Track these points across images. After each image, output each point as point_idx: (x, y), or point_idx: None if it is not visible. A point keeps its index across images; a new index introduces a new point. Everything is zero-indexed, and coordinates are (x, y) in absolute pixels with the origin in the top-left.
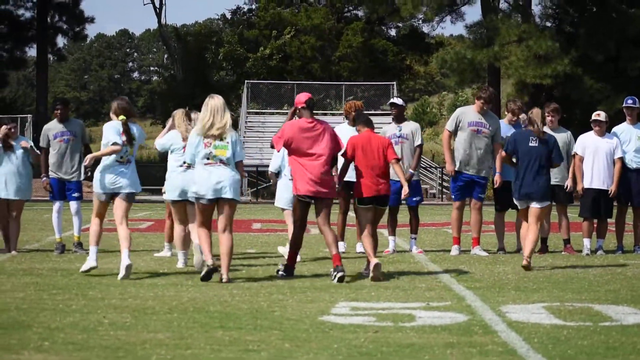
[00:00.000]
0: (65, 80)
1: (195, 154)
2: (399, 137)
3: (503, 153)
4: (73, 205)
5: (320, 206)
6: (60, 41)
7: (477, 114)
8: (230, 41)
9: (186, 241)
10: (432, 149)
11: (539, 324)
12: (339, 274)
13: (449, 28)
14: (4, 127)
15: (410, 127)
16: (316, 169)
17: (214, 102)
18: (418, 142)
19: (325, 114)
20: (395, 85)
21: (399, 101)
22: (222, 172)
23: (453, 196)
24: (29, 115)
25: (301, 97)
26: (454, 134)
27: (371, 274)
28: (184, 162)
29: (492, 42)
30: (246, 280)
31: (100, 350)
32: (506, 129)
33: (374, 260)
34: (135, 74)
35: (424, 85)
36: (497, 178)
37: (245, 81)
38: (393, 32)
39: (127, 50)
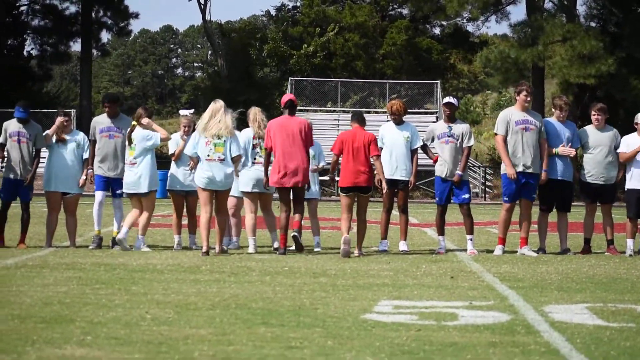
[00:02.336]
0: (108, 76)
1: (197, 149)
2: (449, 136)
3: (555, 150)
4: (116, 201)
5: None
6: (105, 36)
7: (521, 112)
8: (275, 38)
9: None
10: (475, 148)
11: (581, 325)
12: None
13: (493, 27)
14: (59, 118)
15: (461, 128)
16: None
17: (214, 106)
18: (469, 143)
19: (368, 112)
20: (439, 84)
21: (454, 101)
22: (217, 168)
23: (507, 198)
24: (72, 110)
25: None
26: (505, 136)
27: (342, 247)
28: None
29: (536, 41)
30: (288, 277)
31: (142, 345)
32: (557, 126)
33: (345, 236)
34: (179, 70)
35: (467, 84)
36: (543, 176)
37: (289, 78)
38: (437, 31)
39: (171, 46)
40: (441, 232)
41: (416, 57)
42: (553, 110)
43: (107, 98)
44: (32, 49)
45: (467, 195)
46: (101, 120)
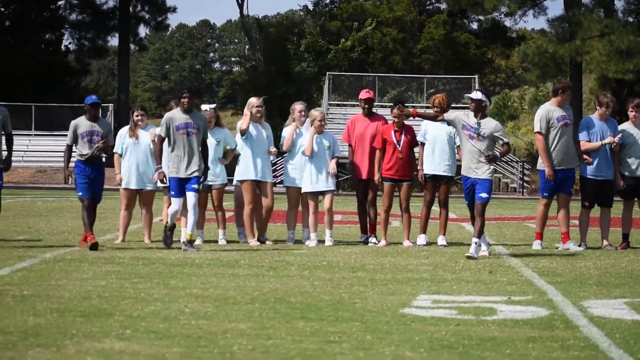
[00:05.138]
0: (146, 70)
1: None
2: (477, 133)
3: (589, 145)
4: (191, 198)
5: None
6: (142, 31)
7: (559, 108)
8: (312, 32)
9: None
10: (513, 144)
11: (620, 320)
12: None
13: (531, 22)
14: (136, 112)
15: (491, 127)
16: None
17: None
18: (505, 140)
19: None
20: (476, 79)
21: (479, 96)
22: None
23: (546, 194)
24: (110, 104)
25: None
26: (546, 134)
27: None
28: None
29: (574, 36)
30: (327, 271)
31: (181, 339)
32: (598, 123)
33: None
34: (217, 65)
35: (504, 79)
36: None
37: (327, 73)
38: (475, 26)
39: (209, 40)
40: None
41: (454, 51)
42: (597, 107)
43: (187, 88)
44: (69, 43)
45: (485, 195)
46: (176, 116)
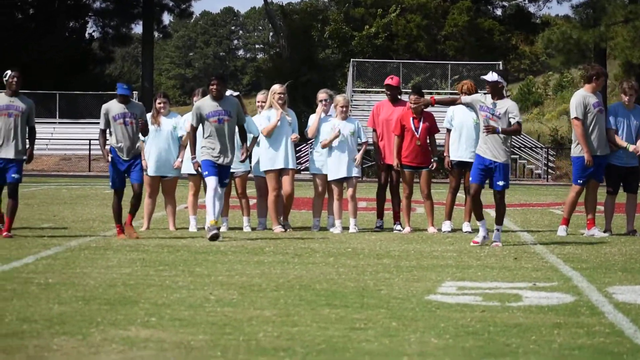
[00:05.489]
0: (170, 58)
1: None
2: (492, 114)
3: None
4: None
5: None
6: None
7: (593, 95)
8: (336, 19)
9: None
10: (537, 130)
11: None
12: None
13: (555, 8)
14: (158, 100)
15: (506, 105)
16: None
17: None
18: (517, 119)
19: (430, 93)
20: (501, 65)
21: (495, 77)
22: None
23: (581, 181)
24: (134, 92)
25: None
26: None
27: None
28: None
29: (598, 22)
30: (352, 258)
31: (206, 327)
32: (624, 111)
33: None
34: (241, 52)
35: (528, 65)
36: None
37: (351, 59)
38: (499, 12)
39: (232, 27)
40: (479, 215)
41: (478, 38)
42: (622, 95)
43: (216, 75)
44: (93, 31)
45: (503, 183)
46: (206, 104)
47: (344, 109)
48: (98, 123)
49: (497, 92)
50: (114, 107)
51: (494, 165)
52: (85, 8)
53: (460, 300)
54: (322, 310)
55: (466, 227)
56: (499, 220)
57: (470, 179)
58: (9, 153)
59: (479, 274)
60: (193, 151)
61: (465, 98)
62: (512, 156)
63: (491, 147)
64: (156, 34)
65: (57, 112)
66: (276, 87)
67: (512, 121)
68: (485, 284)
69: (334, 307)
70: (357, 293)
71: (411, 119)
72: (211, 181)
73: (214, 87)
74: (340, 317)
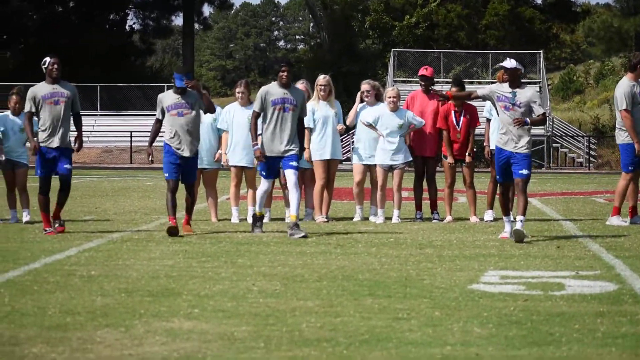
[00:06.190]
0: (210, 49)
1: None
2: (512, 104)
3: None
4: (291, 176)
5: None
6: (206, 10)
7: (637, 83)
8: (377, 9)
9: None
10: (579, 118)
11: None
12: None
13: None
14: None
15: (527, 94)
16: None
17: None
18: (540, 110)
19: (472, 83)
20: (541, 54)
21: (513, 64)
22: None
23: (631, 167)
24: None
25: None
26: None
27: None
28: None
29: (639, 10)
30: (394, 248)
31: (249, 318)
32: None
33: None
34: (281, 43)
35: (569, 54)
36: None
37: (392, 49)
38: (539, 1)
39: (273, 19)
40: (505, 211)
41: (519, 27)
42: None
43: (285, 60)
44: (134, 23)
45: (525, 171)
46: (273, 91)
47: (394, 100)
48: (138, 115)
49: (515, 79)
50: (168, 96)
51: (516, 156)
52: (126, 0)
53: (503, 290)
54: (364, 300)
55: (488, 215)
56: (523, 210)
57: (497, 177)
58: (59, 142)
59: (522, 262)
60: (254, 137)
61: (480, 90)
62: (554, 144)
63: (514, 137)
64: (196, 25)
65: (99, 105)
66: (320, 79)
67: (539, 110)
68: (528, 273)
69: (376, 297)
70: (400, 283)
71: (452, 112)
72: (264, 184)
73: (284, 73)
74: (383, 307)
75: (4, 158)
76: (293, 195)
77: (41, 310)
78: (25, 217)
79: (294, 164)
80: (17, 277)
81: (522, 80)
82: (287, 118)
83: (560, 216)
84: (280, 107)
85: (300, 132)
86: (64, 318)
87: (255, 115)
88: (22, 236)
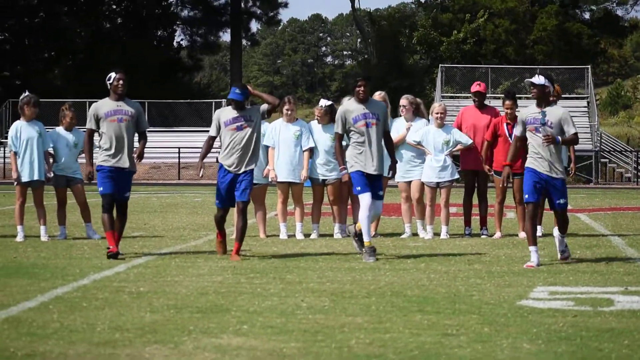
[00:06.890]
0: (258, 65)
1: None
2: (542, 124)
3: None
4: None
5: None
6: (254, 26)
7: None
8: (424, 25)
9: None
10: (627, 133)
11: None
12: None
13: None
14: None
15: (557, 114)
16: None
17: None
18: (571, 130)
19: (519, 98)
20: (589, 69)
21: (541, 80)
22: None
23: None
24: (223, 100)
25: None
26: None
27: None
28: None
29: None
30: (442, 264)
31: (298, 334)
32: None
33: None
34: (329, 58)
35: (617, 69)
36: None
37: (440, 65)
38: (587, 16)
39: (320, 34)
40: (533, 241)
41: (566, 42)
42: None
43: (363, 76)
44: (181, 39)
45: (564, 200)
46: (353, 108)
47: (441, 116)
48: (187, 131)
49: (544, 97)
50: (226, 112)
51: (552, 183)
52: (174, 16)
53: (552, 305)
54: (414, 316)
55: (556, 232)
56: (563, 229)
57: (526, 196)
58: (124, 162)
59: (571, 278)
60: (342, 161)
61: (517, 130)
62: (602, 159)
63: (547, 160)
64: (244, 41)
65: (147, 120)
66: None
67: (571, 130)
68: (577, 289)
69: (425, 313)
70: (449, 299)
71: (505, 124)
72: (365, 198)
73: (361, 88)
74: (432, 323)
75: (52, 175)
76: (366, 217)
77: (90, 327)
78: (94, 235)
79: (381, 193)
80: (66, 294)
81: (568, 96)
82: (370, 134)
83: (608, 231)
84: (362, 124)
85: (388, 147)
86: (113, 334)
87: (339, 137)
88: (70, 253)
